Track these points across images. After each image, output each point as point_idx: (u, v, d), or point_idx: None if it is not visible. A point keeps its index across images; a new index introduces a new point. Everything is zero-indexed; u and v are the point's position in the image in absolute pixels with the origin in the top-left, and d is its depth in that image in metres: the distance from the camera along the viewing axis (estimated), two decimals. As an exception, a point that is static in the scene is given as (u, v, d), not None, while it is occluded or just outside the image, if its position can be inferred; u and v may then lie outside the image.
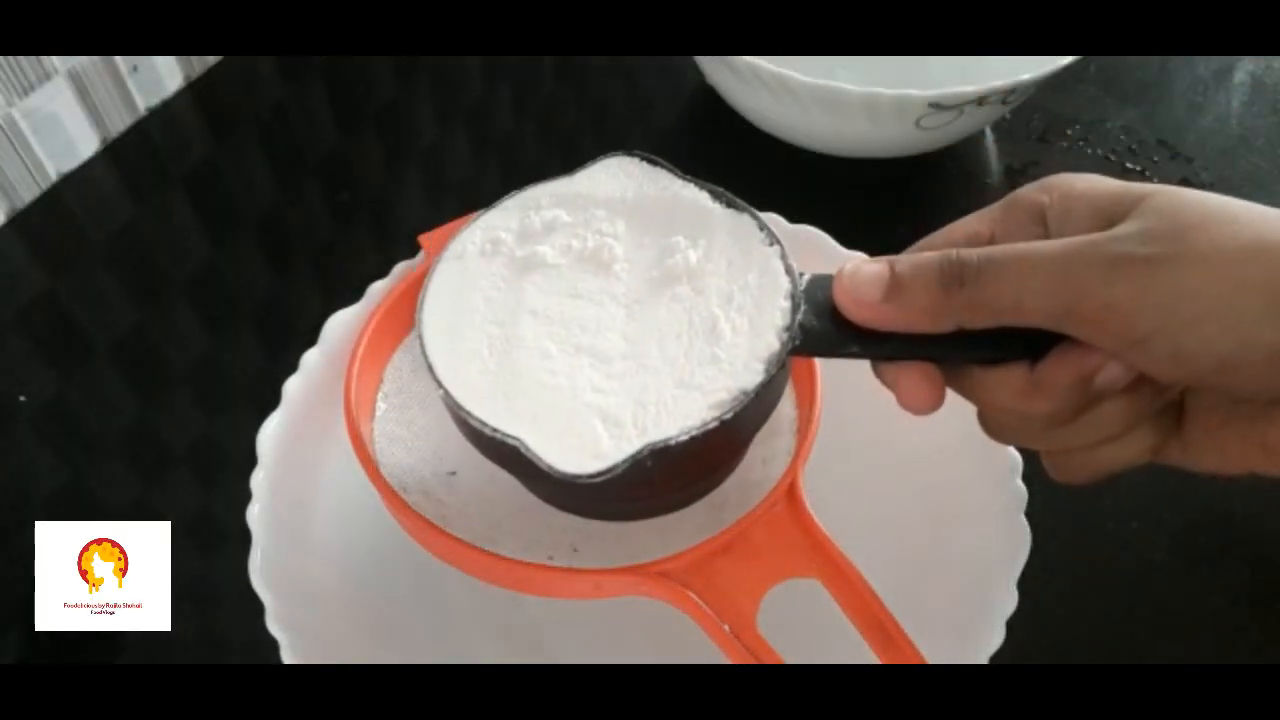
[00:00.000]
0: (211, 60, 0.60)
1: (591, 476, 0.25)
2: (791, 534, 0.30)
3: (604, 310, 0.29)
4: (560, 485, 0.26)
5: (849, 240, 0.39)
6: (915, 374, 0.27)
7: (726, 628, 0.28)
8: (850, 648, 0.28)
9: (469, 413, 0.27)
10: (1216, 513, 0.42)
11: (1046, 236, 0.26)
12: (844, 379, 0.35)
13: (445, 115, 0.60)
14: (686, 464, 0.27)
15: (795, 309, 0.27)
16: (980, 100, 0.47)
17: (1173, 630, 0.39)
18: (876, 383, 0.40)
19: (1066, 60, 0.47)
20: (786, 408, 0.35)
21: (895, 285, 0.25)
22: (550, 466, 0.26)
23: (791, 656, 0.28)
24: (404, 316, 0.36)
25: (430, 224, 0.37)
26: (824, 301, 0.27)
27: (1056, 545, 0.38)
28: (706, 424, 0.26)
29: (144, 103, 0.57)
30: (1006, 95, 0.47)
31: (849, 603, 0.29)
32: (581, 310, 0.29)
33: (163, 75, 0.57)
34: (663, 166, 0.31)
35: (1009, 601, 0.32)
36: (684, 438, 0.26)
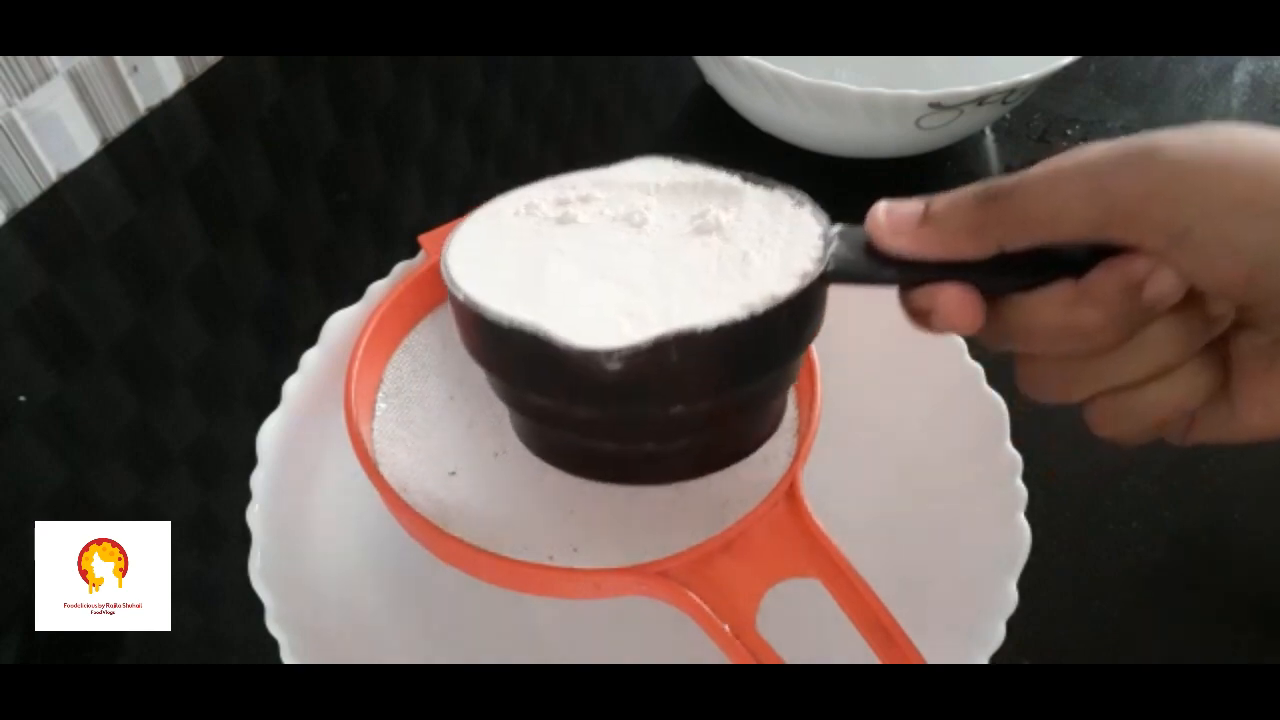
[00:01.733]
0: (211, 60, 0.60)
1: (610, 355, 0.24)
2: (791, 534, 0.30)
3: (631, 256, 0.28)
4: (578, 400, 0.26)
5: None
6: (954, 290, 0.26)
7: (726, 628, 0.28)
8: (850, 648, 0.28)
9: (484, 308, 0.26)
10: (1217, 513, 0.42)
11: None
12: (844, 379, 0.35)
13: (445, 115, 0.60)
14: (716, 369, 0.26)
15: (828, 245, 0.27)
16: (980, 100, 0.47)
17: (1173, 630, 0.39)
18: (876, 383, 0.40)
19: (1066, 60, 0.47)
20: (787, 407, 0.35)
21: (931, 211, 0.25)
22: (568, 344, 0.25)
23: (791, 656, 0.28)
24: (404, 316, 0.36)
25: (430, 224, 0.37)
26: (858, 238, 0.27)
27: (1056, 545, 0.38)
28: (736, 317, 0.25)
29: (144, 103, 0.57)
30: (1006, 95, 0.47)
31: (849, 603, 0.29)
32: (610, 254, 0.28)
33: (163, 75, 0.57)
34: (697, 163, 0.31)
35: (1009, 601, 0.32)
36: (711, 327, 0.25)
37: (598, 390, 0.25)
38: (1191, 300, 0.24)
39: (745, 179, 0.30)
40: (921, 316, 0.27)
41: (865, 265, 0.26)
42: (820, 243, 0.27)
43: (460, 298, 0.27)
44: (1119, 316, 0.24)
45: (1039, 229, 0.24)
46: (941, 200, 0.25)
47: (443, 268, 0.29)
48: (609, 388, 0.25)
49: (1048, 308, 0.25)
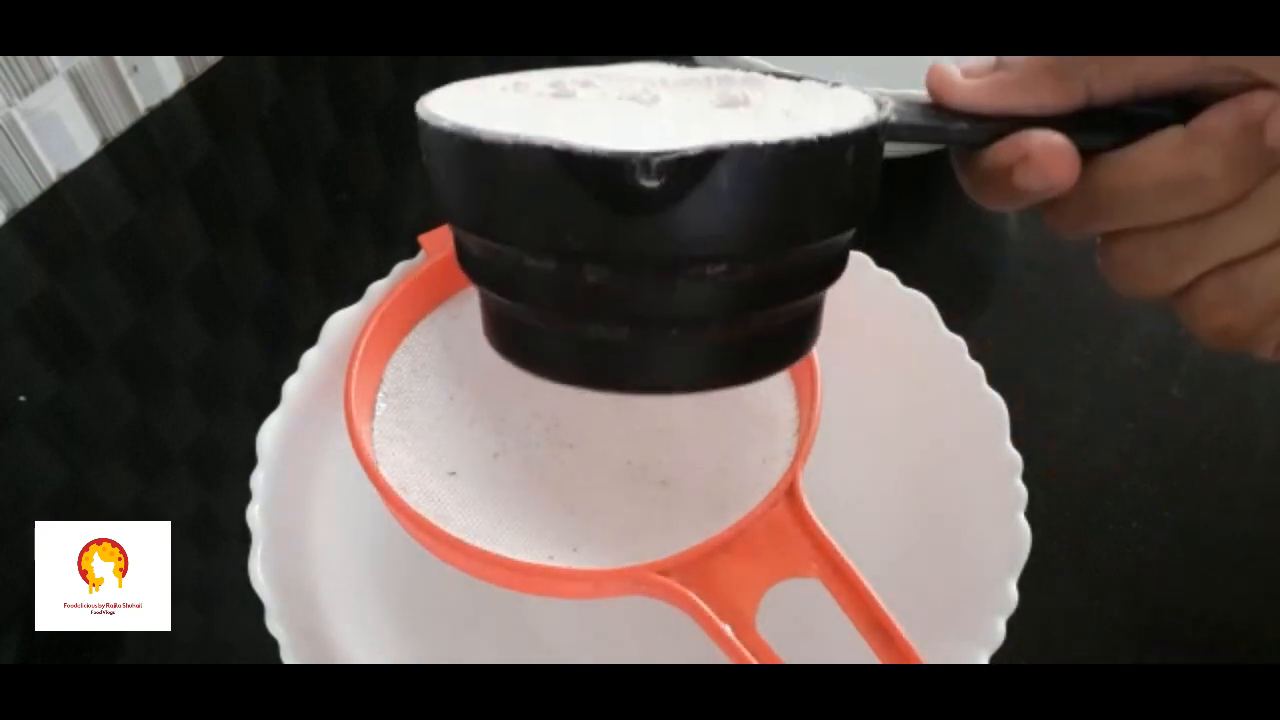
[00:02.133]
0: (211, 60, 0.60)
1: (648, 162, 0.20)
2: (791, 534, 0.30)
3: (648, 126, 0.23)
4: (594, 246, 0.21)
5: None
6: (1046, 133, 0.22)
7: (727, 628, 0.28)
8: (850, 648, 0.28)
9: (477, 129, 0.21)
10: (1217, 512, 0.42)
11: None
12: (844, 379, 0.35)
13: (445, 115, 0.60)
14: (771, 208, 0.21)
15: (883, 104, 0.23)
16: (980, 100, 0.47)
17: (1173, 630, 0.39)
18: (876, 383, 0.40)
19: (1066, 60, 0.47)
20: (787, 407, 0.35)
21: (1006, 59, 0.22)
22: (594, 150, 0.20)
23: (791, 656, 0.28)
24: (404, 316, 0.36)
25: (430, 224, 0.37)
26: (916, 100, 0.23)
27: (1056, 545, 0.38)
28: (802, 135, 0.21)
29: (144, 103, 0.57)
30: (1006, 95, 0.47)
31: (849, 602, 0.29)
32: (622, 122, 0.23)
33: (163, 75, 0.57)
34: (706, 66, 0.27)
35: (1009, 601, 0.32)
36: (774, 141, 0.20)
37: (623, 225, 0.21)
38: None
39: (766, 73, 0.26)
40: (1000, 178, 0.23)
41: (931, 120, 0.23)
42: (873, 104, 0.23)
43: (445, 125, 0.22)
44: (1236, 164, 0.21)
45: (1136, 62, 0.21)
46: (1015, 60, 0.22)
47: (419, 110, 0.24)
48: (639, 218, 0.20)
49: (1154, 158, 0.22)
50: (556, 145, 0.20)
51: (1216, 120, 0.21)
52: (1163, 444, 0.44)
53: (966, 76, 0.23)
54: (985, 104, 0.23)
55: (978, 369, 0.37)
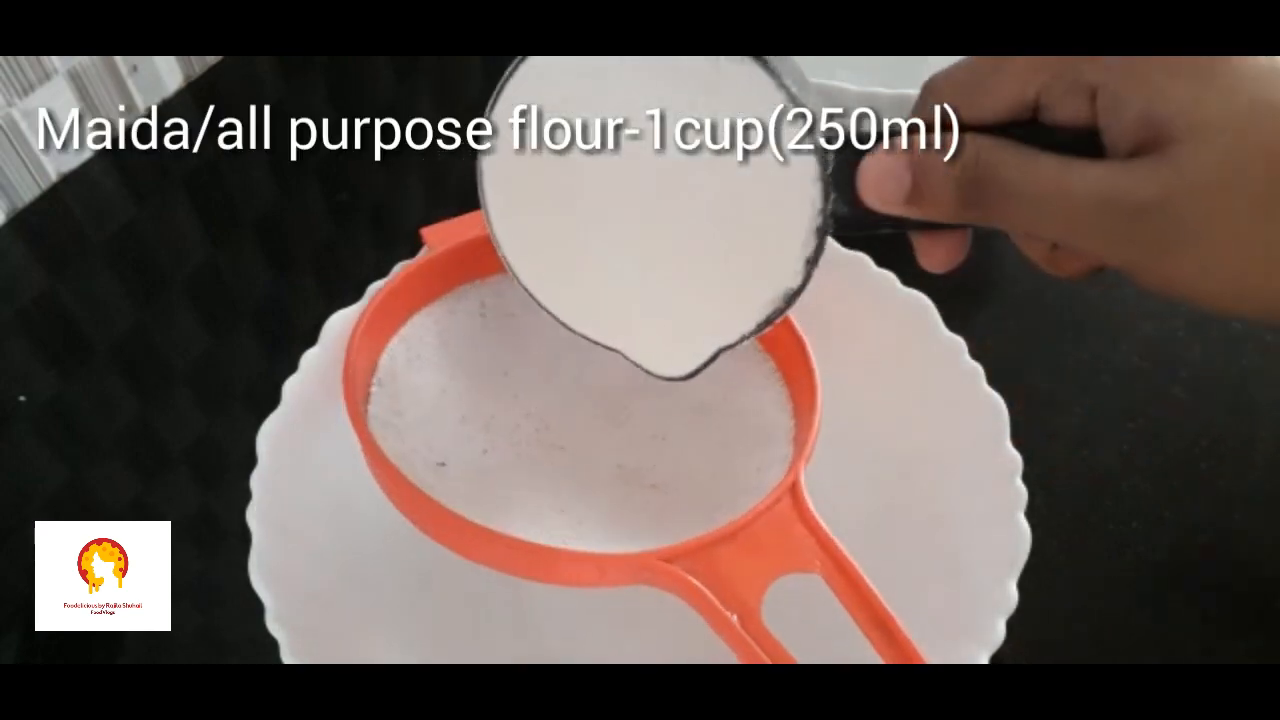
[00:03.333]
0: (211, 60, 0.60)
1: (681, 378, 0.34)
2: (794, 529, 0.30)
3: (641, 228, 0.32)
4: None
5: (849, 239, 0.39)
6: (939, 243, 0.30)
7: (734, 618, 0.28)
8: (851, 647, 0.28)
9: (575, 330, 0.35)
10: (1217, 513, 0.42)
11: (1093, 118, 0.27)
12: (844, 379, 0.35)
13: (445, 115, 0.60)
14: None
15: (826, 196, 0.29)
16: (980, 100, 0.47)
17: (1173, 630, 0.39)
18: (876, 383, 0.40)
19: (1066, 60, 0.47)
20: (781, 418, 0.35)
21: (916, 193, 0.28)
22: (650, 372, 0.34)
23: (793, 655, 0.28)
24: (403, 305, 0.37)
25: (430, 223, 0.37)
26: (852, 186, 0.29)
27: (1056, 545, 0.38)
28: (760, 325, 0.31)
29: (144, 103, 0.57)
30: (1006, 95, 0.47)
31: (850, 599, 0.29)
32: (632, 245, 0.32)
33: (163, 75, 0.57)
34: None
35: (1009, 601, 0.32)
36: (745, 343, 0.32)
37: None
38: None
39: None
40: (914, 246, 0.31)
41: (860, 221, 0.29)
42: (818, 190, 0.29)
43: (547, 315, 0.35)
44: (1093, 270, 0.29)
45: (1014, 231, 0.28)
46: (923, 170, 0.28)
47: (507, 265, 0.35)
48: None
49: (1028, 250, 0.30)
50: (624, 356, 0.35)
51: (1074, 258, 0.29)
52: (1163, 444, 0.44)
53: (885, 200, 0.28)
54: (900, 211, 0.29)
55: (978, 369, 0.37)
